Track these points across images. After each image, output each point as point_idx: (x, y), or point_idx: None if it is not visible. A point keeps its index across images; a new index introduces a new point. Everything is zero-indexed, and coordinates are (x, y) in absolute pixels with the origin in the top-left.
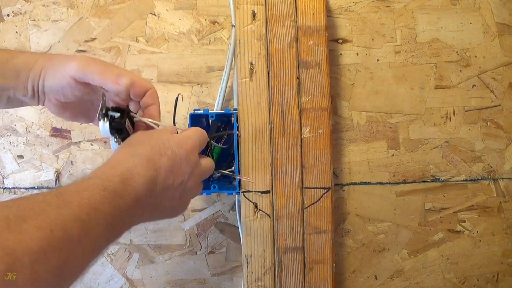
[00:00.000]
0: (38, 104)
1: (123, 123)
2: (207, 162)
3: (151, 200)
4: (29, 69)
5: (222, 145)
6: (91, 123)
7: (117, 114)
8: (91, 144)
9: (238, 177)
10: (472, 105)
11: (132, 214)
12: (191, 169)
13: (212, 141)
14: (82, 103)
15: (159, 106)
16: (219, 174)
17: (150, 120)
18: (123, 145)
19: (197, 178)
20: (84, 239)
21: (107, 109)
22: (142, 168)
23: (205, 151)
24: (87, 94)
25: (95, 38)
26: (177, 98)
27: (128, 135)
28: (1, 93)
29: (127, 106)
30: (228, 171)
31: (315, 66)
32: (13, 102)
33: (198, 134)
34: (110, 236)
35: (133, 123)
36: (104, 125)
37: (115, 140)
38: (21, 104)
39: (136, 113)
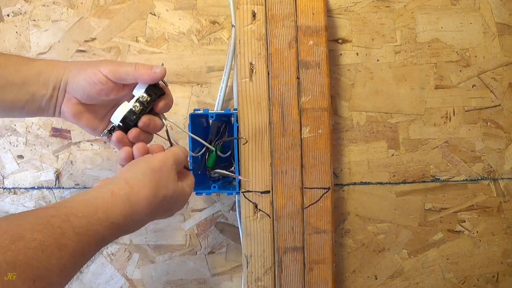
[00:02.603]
0: (54, 115)
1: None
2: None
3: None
4: (51, 68)
5: (221, 150)
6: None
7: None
8: (91, 144)
9: (235, 176)
10: (472, 105)
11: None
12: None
13: (212, 146)
14: (101, 109)
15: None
16: (218, 174)
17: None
18: (153, 179)
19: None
20: (64, 282)
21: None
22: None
23: (204, 154)
24: (112, 96)
25: (95, 38)
26: (167, 130)
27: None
28: (21, 91)
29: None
30: (227, 171)
31: (315, 66)
32: (30, 107)
33: (191, 189)
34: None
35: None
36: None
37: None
38: (36, 110)
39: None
